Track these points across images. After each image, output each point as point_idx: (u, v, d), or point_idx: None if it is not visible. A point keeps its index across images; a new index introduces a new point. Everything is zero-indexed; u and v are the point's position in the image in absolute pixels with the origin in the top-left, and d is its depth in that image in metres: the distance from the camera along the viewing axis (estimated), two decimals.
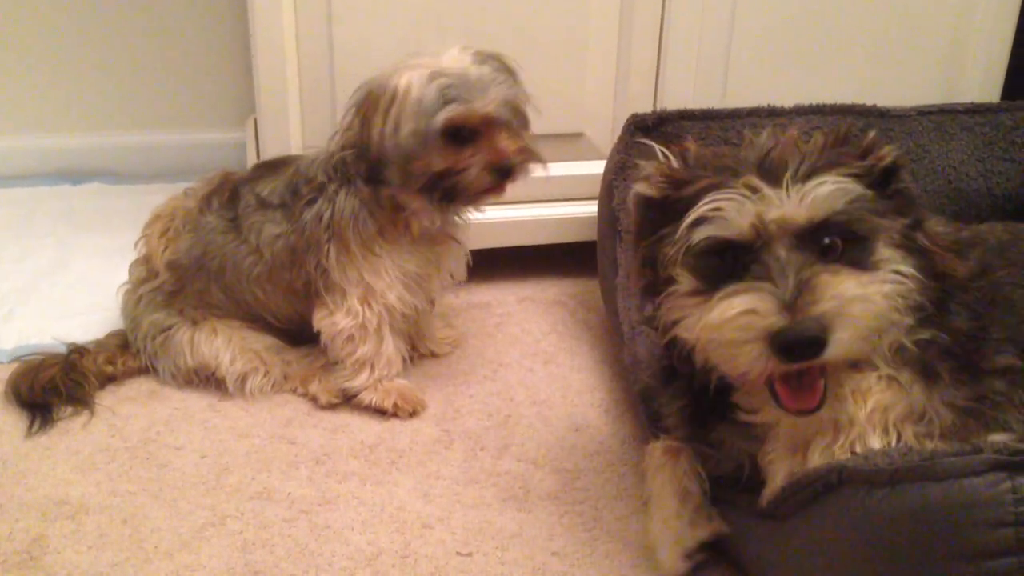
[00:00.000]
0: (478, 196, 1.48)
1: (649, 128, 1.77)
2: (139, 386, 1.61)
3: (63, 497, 1.34)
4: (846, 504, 1.03)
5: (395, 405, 1.55)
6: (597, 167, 1.84)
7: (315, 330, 1.56)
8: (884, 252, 1.07)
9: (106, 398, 1.57)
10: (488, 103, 1.42)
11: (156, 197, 2.30)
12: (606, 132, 1.90)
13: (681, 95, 1.90)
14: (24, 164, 2.42)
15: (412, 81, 1.41)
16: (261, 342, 1.62)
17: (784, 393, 1.06)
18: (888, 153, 1.12)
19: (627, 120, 1.76)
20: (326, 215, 1.49)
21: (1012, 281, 1.23)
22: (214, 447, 1.47)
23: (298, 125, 1.82)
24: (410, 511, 1.34)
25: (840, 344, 1.00)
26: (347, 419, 1.55)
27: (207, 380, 1.60)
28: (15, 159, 2.41)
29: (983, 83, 2.01)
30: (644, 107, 1.91)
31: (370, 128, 1.44)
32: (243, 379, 1.58)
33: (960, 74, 2.01)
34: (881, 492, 0.99)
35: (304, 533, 1.29)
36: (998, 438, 1.08)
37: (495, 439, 1.50)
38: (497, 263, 1.96)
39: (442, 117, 1.39)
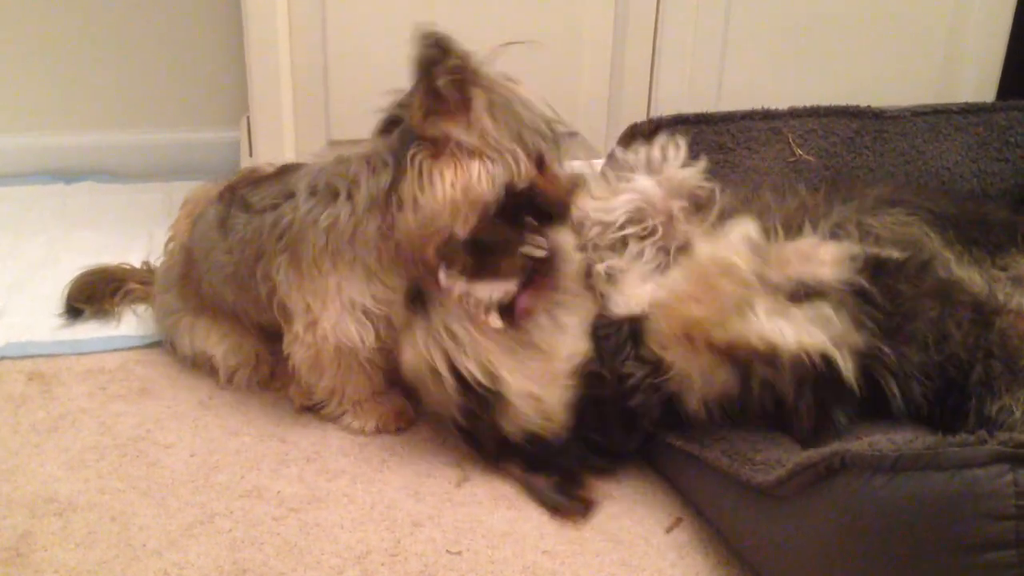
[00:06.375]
0: None
1: (646, 135, 1.77)
2: (130, 384, 1.60)
3: (51, 494, 1.33)
4: (847, 489, 1.03)
5: (376, 428, 1.50)
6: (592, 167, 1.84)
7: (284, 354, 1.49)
8: None
9: (96, 396, 1.57)
10: None
11: (149, 196, 2.32)
12: (600, 131, 1.90)
13: (675, 95, 1.90)
14: (17, 162, 2.41)
15: None
16: (256, 338, 1.59)
17: None
18: None
19: (624, 131, 1.76)
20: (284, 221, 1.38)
21: None
22: (204, 445, 1.46)
23: (291, 124, 1.81)
24: (400, 509, 1.34)
25: None
26: None
27: (208, 366, 1.60)
28: (8, 157, 2.40)
29: (979, 83, 2.01)
30: (638, 107, 1.91)
31: None
32: (233, 373, 1.58)
33: (956, 74, 2.01)
34: (883, 479, 0.99)
35: (293, 531, 1.29)
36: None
37: None
38: None
39: None
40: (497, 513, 1.33)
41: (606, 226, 1.47)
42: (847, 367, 1.22)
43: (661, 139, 1.56)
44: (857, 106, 1.87)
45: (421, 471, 1.42)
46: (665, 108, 1.84)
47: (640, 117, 1.82)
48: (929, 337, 1.24)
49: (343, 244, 1.34)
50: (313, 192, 1.37)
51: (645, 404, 1.34)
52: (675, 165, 1.52)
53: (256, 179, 1.56)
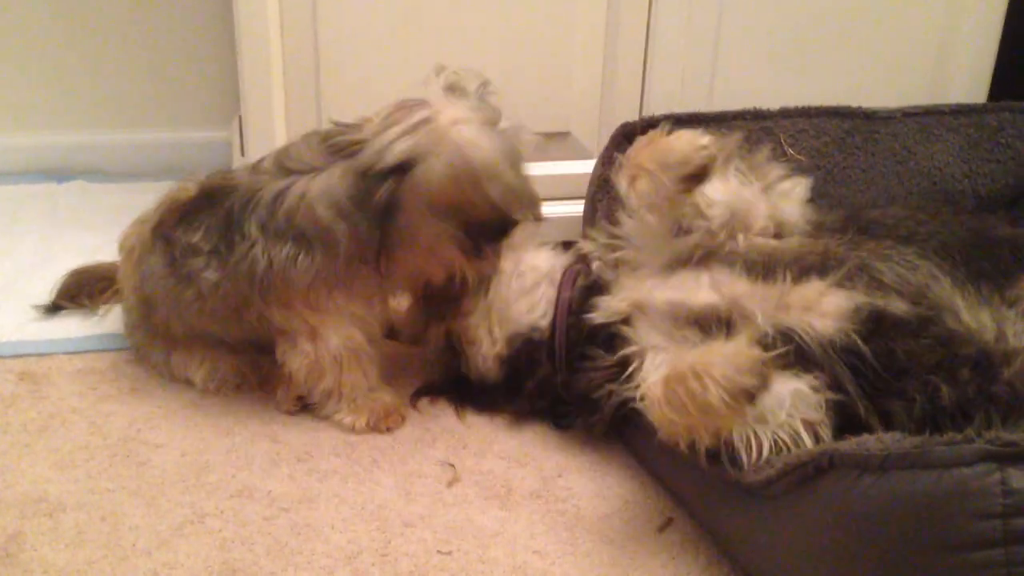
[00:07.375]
0: None
1: (638, 135, 1.77)
2: (120, 384, 1.60)
3: (41, 495, 1.33)
4: (835, 488, 1.04)
5: (367, 424, 1.50)
6: (583, 167, 1.84)
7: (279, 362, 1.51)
8: None
9: (86, 396, 1.56)
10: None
11: (141, 196, 2.29)
12: (592, 131, 1.90)
13: (668, 95, 1.90)
14: (8, 162, 2.41)
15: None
16: (236, 357, 1.59)
17: None
18: None
19: (615, 131, 1.76)
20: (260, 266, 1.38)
21: None
22: (195, 445, 1.46)
23: (282, 123, 1.81)
24: (391, 509, 1.33)
25: None
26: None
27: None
28: None
29: (970, 84, 2.01)
30: (631, 107, 1.91)
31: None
32: (217, 389, 1.58)
33: (947, 75, 2.01)
34: (871, 478, 1.00)
35: (284, 531, 1.29)
36: None
37: (477, 437, 1.50)
38: None
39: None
40: (488, 513, 1.34)
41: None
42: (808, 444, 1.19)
43: None
44: (848, 106, 1.87)
45: (412, 471, 1.42)
46: (657, 107, 1.84)
47: (632, 116, 1.83)
48: (918, 396, 1.20)
49: (335, 283, 1.40)
50: (279, 236, 1.37)
51: (604, 402, 1.39)
52: None
53: (182, 213, 1.49)
